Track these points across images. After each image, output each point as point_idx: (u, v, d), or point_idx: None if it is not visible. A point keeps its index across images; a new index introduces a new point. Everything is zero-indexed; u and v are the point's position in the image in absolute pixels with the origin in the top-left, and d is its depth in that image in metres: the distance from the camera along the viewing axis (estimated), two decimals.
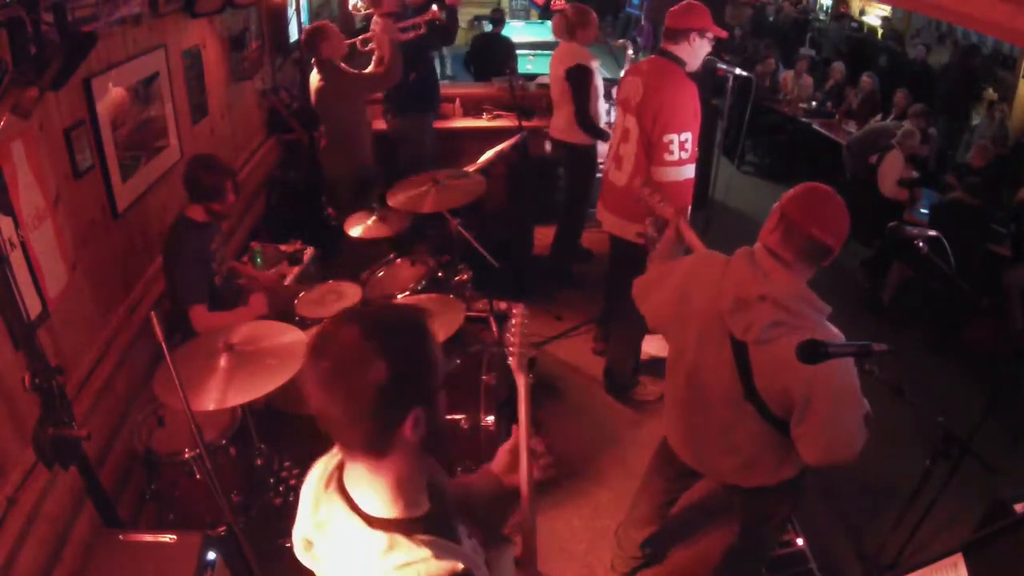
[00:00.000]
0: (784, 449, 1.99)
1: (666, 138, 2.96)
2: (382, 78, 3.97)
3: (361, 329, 1.03)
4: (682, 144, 2.98)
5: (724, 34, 3.19)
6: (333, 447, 1.18)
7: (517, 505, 1.46)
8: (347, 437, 1.08)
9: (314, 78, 3.90)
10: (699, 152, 3.21)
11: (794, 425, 1.86)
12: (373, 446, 1.07)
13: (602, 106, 4.40)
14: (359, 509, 1.10)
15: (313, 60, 3.90)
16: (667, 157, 2.99)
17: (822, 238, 1.79)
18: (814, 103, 7.61)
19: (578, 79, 4.21)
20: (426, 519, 1.12)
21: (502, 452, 1.51)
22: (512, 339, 1.52)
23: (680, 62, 3.07)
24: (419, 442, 1.08)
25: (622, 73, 4.44)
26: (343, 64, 3.92)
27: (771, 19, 10.80)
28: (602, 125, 4.40)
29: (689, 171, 3.06)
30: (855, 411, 1.85)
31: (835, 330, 1.84)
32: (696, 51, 3.07)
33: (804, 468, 2.07)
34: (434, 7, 4.21)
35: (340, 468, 1.16)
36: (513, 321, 1.54)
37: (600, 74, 4.37)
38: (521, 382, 1.49)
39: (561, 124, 4.46)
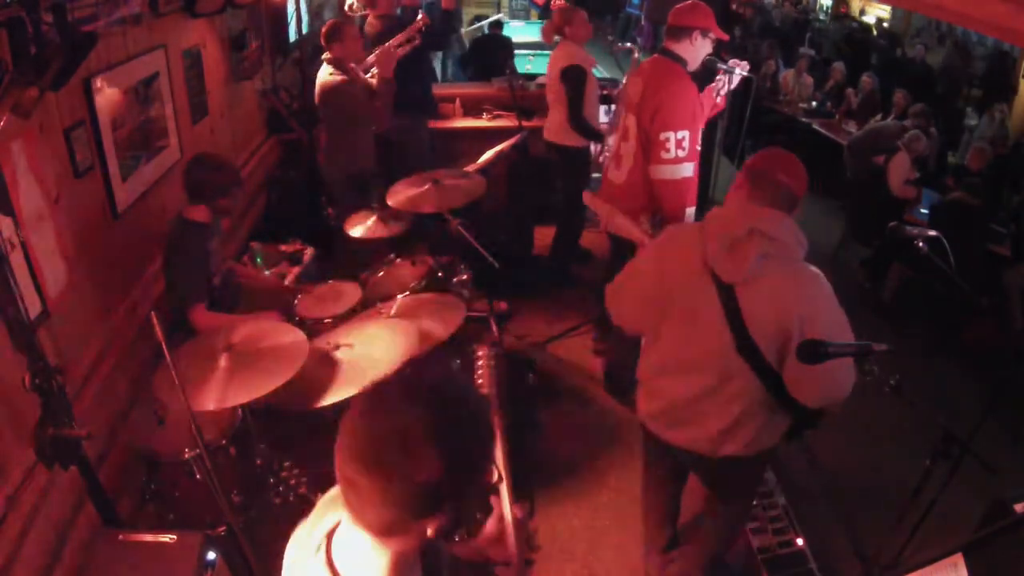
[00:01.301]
0: (768, 413, 2.02)
1: (663, 136, 2.97)
2: (376, 110, 3.98)
3: (430, 422, 0.92)
4: (679, 142, 2.98)
5: (726, 36, 3.19)
6: (313, 510, 1.13)
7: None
8: (364, 513, 0.99)
9: (323, 73, 3.89)
10: (700, 152, 3.22)
11: (788, 367, 1.88)
12: (388, 531, 1.00)
13: (598, 107, 4.40)
14: None
15: (324, 56, 3.90)
16: (664, 155, 2.99)
17: (786, 181, 1.91)
18: (814, 103, 7.61)
19: (571, 79, 4.20)
20: None
21: (487, 529, 1.46)
22: (480, 380, 1.46)
23: (681, 61, 3.07)
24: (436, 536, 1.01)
25: (623, 76, 4.46)
26: (353, 65, 3.92)
27: (777, 24, 10.76)
28: (600, 127, 4.40)
29: (687, 170, 3.06)
30: (847, 338, 1.88)
31: (815, 269, 1.93)
32: (697, 50, 3.08)
33: (781, 437, 2.11)
34: (421, 14, 4.23)
35: (329, 538, 1.09)
36: (481, 361, 1.48)
37: (596, 75, 4.38)
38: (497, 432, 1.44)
39: (554, 126, 4.45)
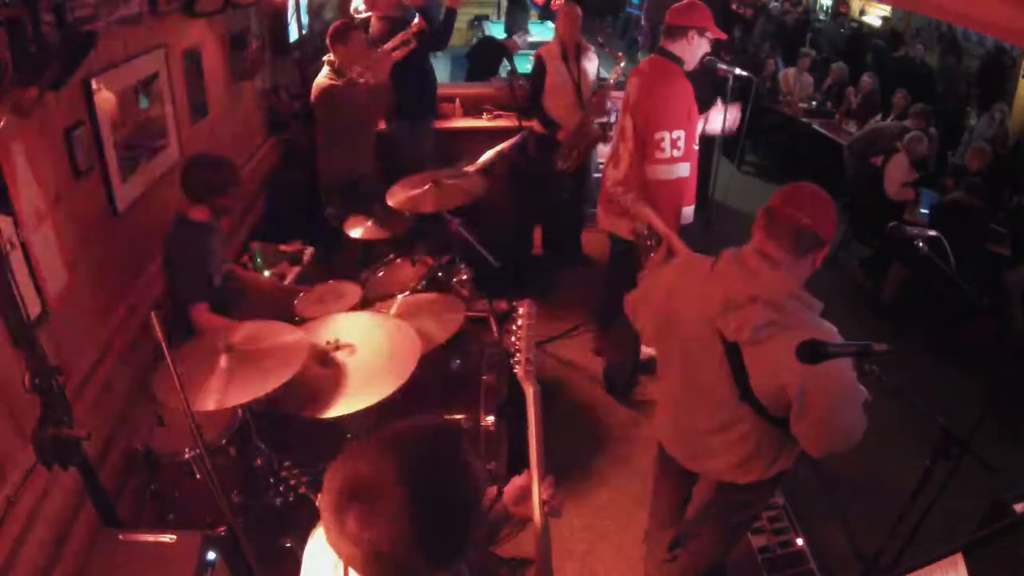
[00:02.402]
0: (780, 443, 2.00)
1: (658, 135, 2.98)
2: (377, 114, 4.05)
3: (410, 516, 0.95)
4: (674, 142, 2.99)
5: (724, 36, 3.19)
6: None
7: (506, 525, 1.42)
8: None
9: (320, 76, 3.88)
10: (699, 152, 3.22)
11: (794, 421, 1.84)
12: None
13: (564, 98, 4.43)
14: None
15: (326, 58, 3.89)
16: (659, 155, 3.00)
17: (808, 225, 1.76)
18: (814, 103, 7.61)
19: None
20: None
21: (513, 485, 1.47)
22: (518, 343, 1.43)
23: (678, 60, 3.07)
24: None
25: (608, 74, 4.49)
26: (358, 70, 3.91)
27: (791, 27, 10.64)
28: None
29: (682, 169, 3.06)
30: (854, 401, 1.83)
31: (829, 326, 1.82)
32: (695, 50, 3.07)
33: (797, 458, 2.08)
34: (417, 17, 4.24)
35: None
36: (519, 322, 1.44)
37: (559, 63, 4.41)
38: (530, 393, 1.39)
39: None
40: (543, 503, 1.38)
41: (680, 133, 2.99)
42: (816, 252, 1.82)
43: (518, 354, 1.40)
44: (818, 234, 1.78)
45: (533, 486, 1.38)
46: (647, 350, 3.79)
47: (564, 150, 4.45)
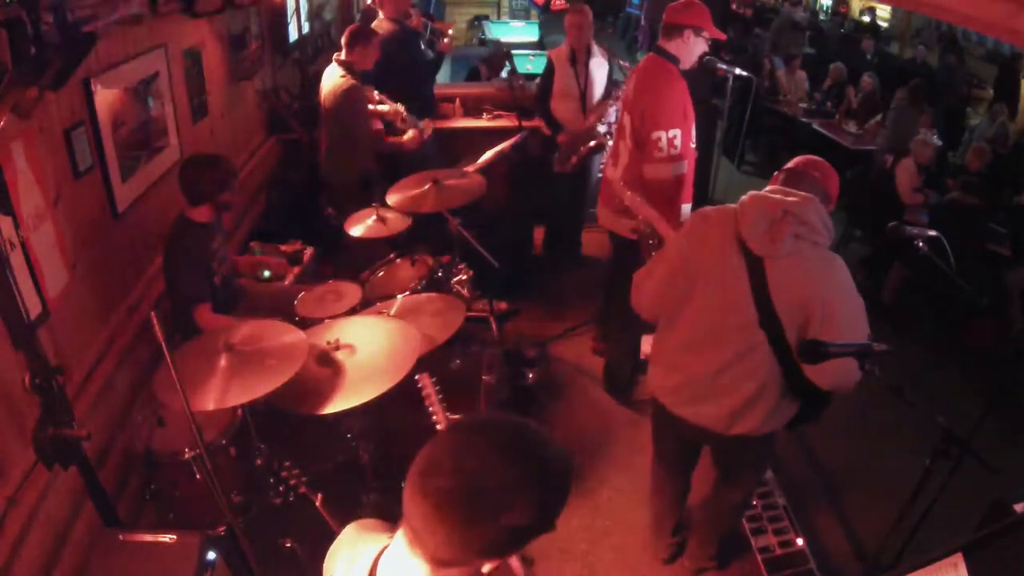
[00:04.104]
0: (778, 396, 2.14)
1: (654, 135, 2.99)
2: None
3: (525, 470, 0.94)
4: (670, 141, 2.99)
5: (722, 36, 3.19)
6: (344, 534, 1.15)
7: None
8: (430, 547, 0.97)
9: (332, 74, 3.86)
10: (699, 152, 3.22)
11: (815, 333, 1.98)
12: (449, 563, 0.98)
13: (569, 102, 4.45)
14: None
15: (339, 57, 3.89)
16: (656, 154, 3.01)
17: (820, 179, 2.07)
18: (814, 104, 7.61)
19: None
20: None
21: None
22: (433, 409, 1.46)
23: (673, 59, 3.07)
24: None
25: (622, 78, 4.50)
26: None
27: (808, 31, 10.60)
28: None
29: (681, 167, 3.06)
30: (863, 319, 2.01)
31: (838, 257, 2.05)
32: (691, 48, 3.06)
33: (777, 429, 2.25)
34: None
35: (375, 564, 1.07)
36: (424, 393, 1.48)
37: (567, 67, 4.41)
38: None
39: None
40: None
41: (676, 132, 3.00)
42: (825, 205, 2.05)
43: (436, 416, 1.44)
44: (828, 191, 2.07)
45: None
46: (646, 349, 3.78)
47: (562, 153, 4.44)
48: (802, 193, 2.02)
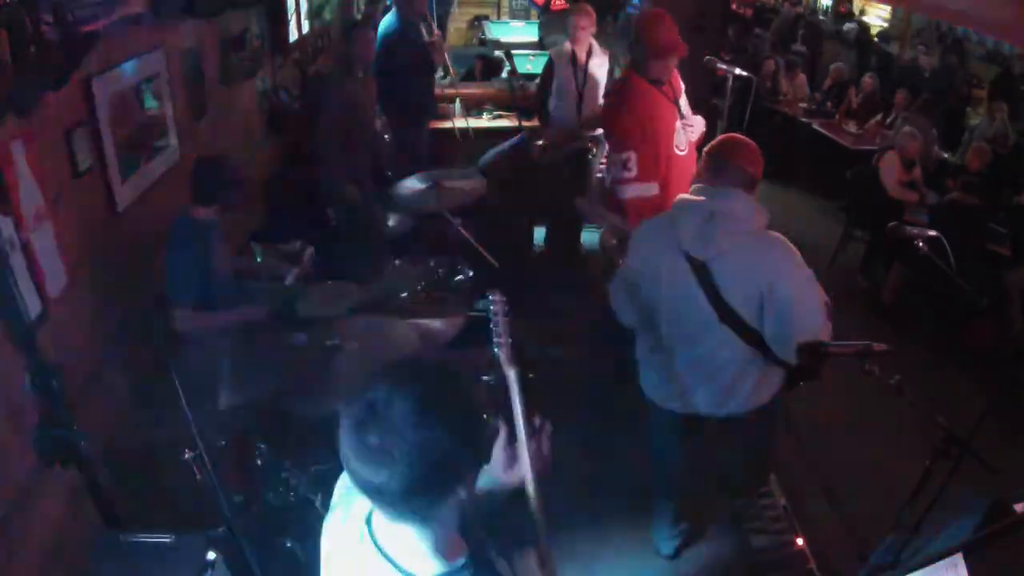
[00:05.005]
0: (760, 372, 2.23)
1: (614, 156, 3.03)
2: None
3: (416, 400, 0.98)
4: (624, 163, 2.92)
5: (683, 53, 3.02)
6: (333, 500, 1.18)
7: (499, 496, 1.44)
8: (397, 507, 1.02)
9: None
10: (699, 152, 3.19)
11: (767, 327, 2.07)
12: (426, 513, 1.03)
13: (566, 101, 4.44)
14: (401, 568, 1.06)
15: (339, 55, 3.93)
16: (619, 174, 3.00)
17: (745, 167, 2.10)
18: (814, 104, 7.61)
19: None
20: (467, 563, 1.08)
21: (498, 452, 1.50)
22: (497, 329, 1.52)
23: (638, 67, 3.04)
24: (468, 496, 1.05)
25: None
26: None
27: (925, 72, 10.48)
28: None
29: (647, 189, 2.96)
30: (814, 293, 2.07)
31: (776, 235, 2.11)
32: (648, 58, 2.97)
33: (776, 396, 2.34)
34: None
35: (368, 524, 1.11)
36: (494, 309, 1.53)
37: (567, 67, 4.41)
38: (511, 375, 1.55)
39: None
40: (534, 462, 1.45)
41: (629, 154, 2.90)
42: (752, 187, 2.12)
43: (499, 339, 1.54)
44: (754, 177, 2.12)
45: (521, 450, 1.45)
46: None
47: (543, 145, 4.41)
48: (727, 188, 2.07)
